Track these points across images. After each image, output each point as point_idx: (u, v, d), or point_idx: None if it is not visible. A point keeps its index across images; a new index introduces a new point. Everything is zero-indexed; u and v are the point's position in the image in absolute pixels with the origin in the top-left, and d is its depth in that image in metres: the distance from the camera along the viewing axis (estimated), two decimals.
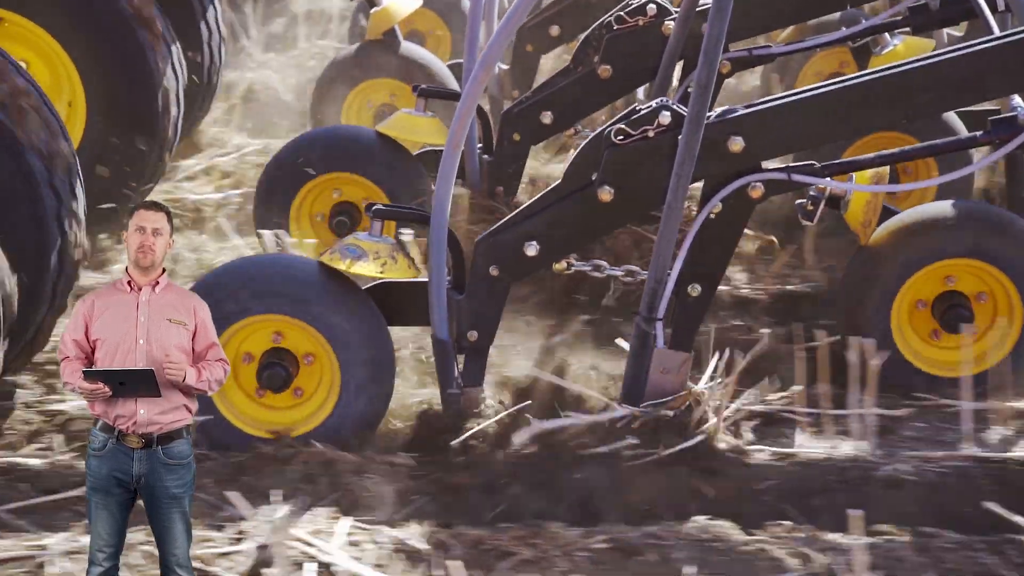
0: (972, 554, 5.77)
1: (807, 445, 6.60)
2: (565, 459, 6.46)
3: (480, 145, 8.97)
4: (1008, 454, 6.54)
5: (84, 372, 5.00)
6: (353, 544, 5.83)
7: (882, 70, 6.73)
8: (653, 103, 6.65)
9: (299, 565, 5.66)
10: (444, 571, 5.64)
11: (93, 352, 5.09)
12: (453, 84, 10.40)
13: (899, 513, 6.11)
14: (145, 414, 5.03)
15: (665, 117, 6.56)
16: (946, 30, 9.76)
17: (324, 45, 14.36)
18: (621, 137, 6.60)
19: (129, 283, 5.13)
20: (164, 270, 5.18)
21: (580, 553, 5.80)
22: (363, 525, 5.94)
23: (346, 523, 5.94)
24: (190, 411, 5.14)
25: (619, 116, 6.73)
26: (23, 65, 7.57)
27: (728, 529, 5.98)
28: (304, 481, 6.31)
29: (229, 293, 6.60)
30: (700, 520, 6.03)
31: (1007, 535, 5.92)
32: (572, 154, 10.05)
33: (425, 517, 6.12)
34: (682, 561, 5.72)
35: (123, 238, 5.18)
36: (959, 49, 6.74)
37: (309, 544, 5.76)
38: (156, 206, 5.16)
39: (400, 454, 6.57)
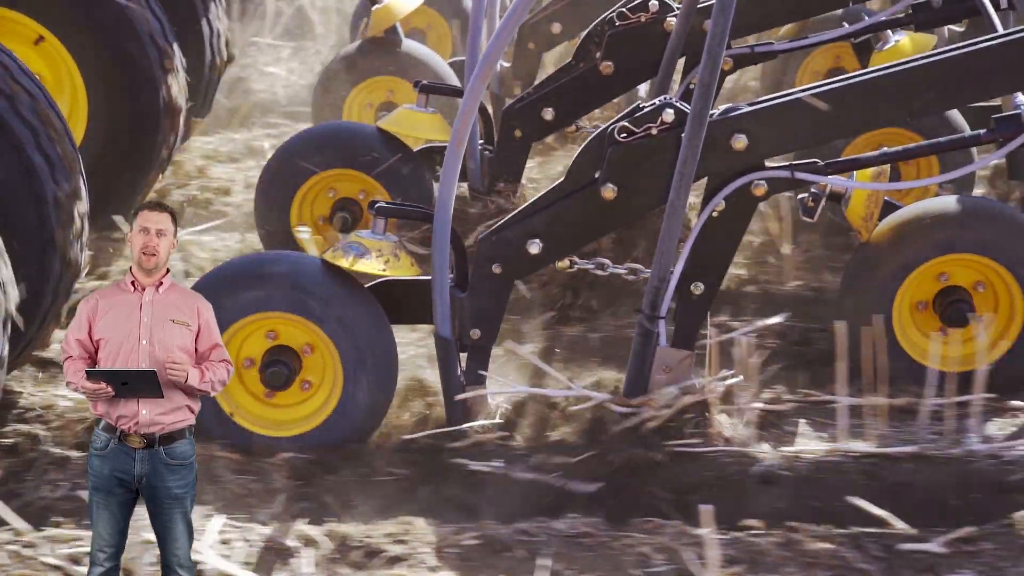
0: (833, 548, 5.81)
1: (690, 441, 6.58)
2: (467, 454, 6.51)
3: (481, 142, 8.97)
4: (881, 449, 6.56)
5: (87, 372, 4.99)
6: (223, 542, 5.84)
7: (886, 68, 6.72)
8: (656, 101, 6.65)
9: None
10: (312, 569, 5.66)
11: (96, 352, 5.08)
12: (455, 82, 10.38)
13: (771, 508, 6.15)
14: (147, 414, 5.02)
15: (668, 115, 6.55)
16: (947, 26, 9.76)
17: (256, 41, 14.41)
18: (624, 135, 6.60)
19: (133, 283, 5.12)
20: (168, 270, 5.17)
21: (449, 550, 5.81)
22: (236, 523, 5.96)
23: (219, 521, 5.94)
24: (192, 412, 5.12)
25: (622, 114, 6.72)
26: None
27: (599, 526, 5.99)
28: None
29: (231, 290, 6.60)
30: (572, 517, 6.05)
31: (869, 529, 5.97)
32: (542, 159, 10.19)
33: (300, 515, 6.11)
34: (549, 557, 5.74)
35: (127, 239, 5.18)
36: (963, 47, 6.74)
37: None
38: (160, 207, 5.15)
39: (285, 453, 6.57)
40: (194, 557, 5.49)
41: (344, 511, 6.16)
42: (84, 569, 5.55)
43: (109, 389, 4.96)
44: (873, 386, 6.96)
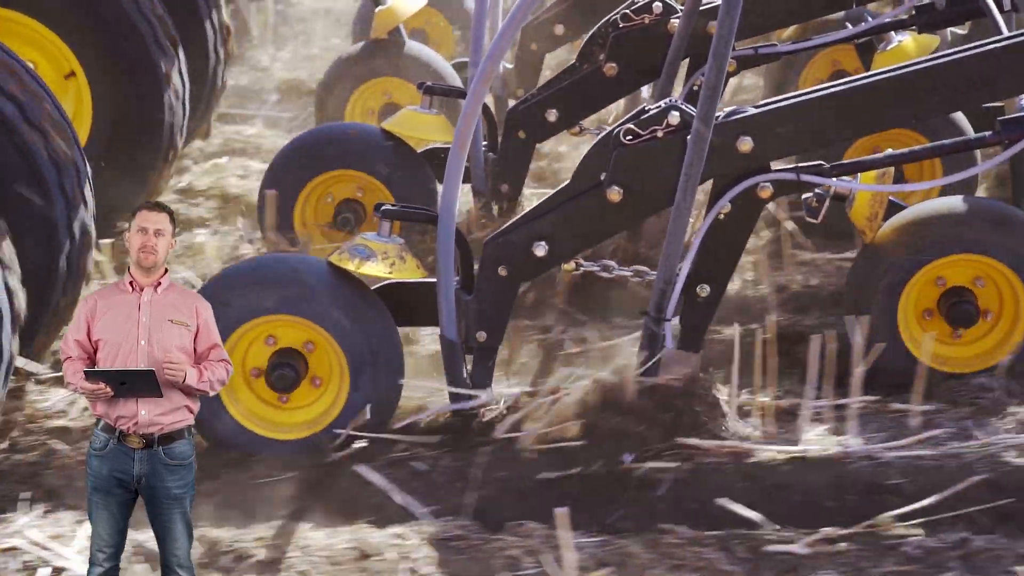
0: (700, 549, 5.85)
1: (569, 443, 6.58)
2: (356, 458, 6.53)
3: (485, 143, 8.97)
4: (760, 446, 6.59)
5: (85, 372, 5.00)
6: None
7: (892, 70, 6.73)
8: (662, 103, 6.65)
9: (33, 570, 5.65)
10: None
11: (95, 352, 5.08)
12: (457, 83, 10.40)
13: (647, 510, 6.18)
14: (146, 415, 5.03)
15: (674, 117, 6.55)
16: (950, 28, 9.76)
17: None
18: (630, 137, 6.60)
19: (131, 283, 5.13)
20: (166, 270, 5.18)
21: (320, 554, 5.81)
22: None
23: (89, 527, 5.91)
24: (191, 412, 5.13)
25: (628, 116, 6.72)
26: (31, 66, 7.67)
27: (472, 529, 6.02)
28: (59, 486, 6.35)
29: (238, 293, 6.60)
30: (447, 520, 6.08)
31: (736, 530, 6.01)
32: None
33: None
34: (420, 561, 5.76)
35: (125, 239, 5.18)
36: (969, 49, 6.74)
37: (45, 548, 5.75)
38: (158, 207, 5.16)
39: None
40: (58, 563, 5.50)
41: (220, 516, 6.14)
42: None
43: (108, 389, 4.97)
44: (763, 386, 7.00)
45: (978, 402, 7.02)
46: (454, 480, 6.36)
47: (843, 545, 5.88)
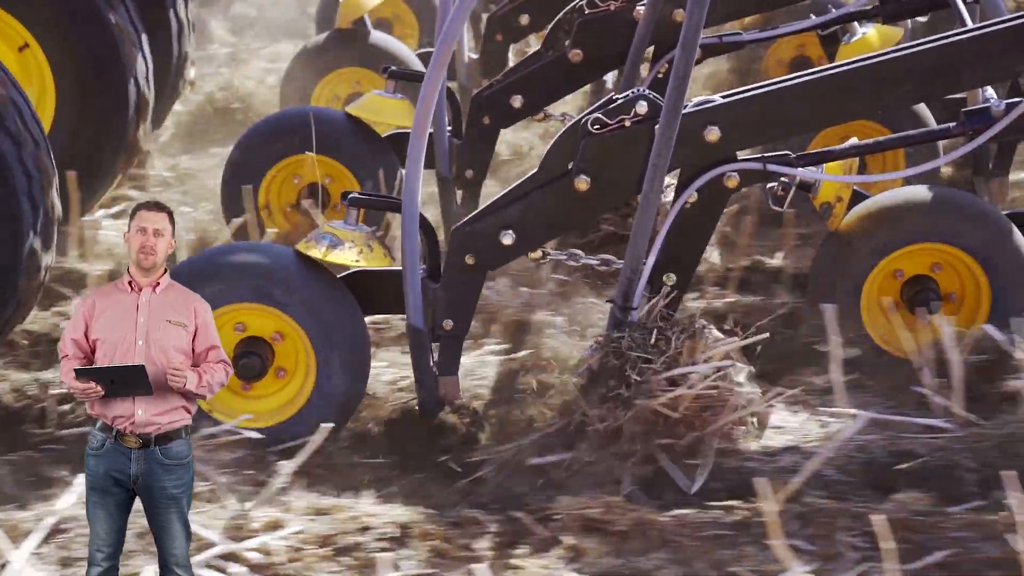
0: None
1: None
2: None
3: (449, 129, 8.96)
4: None
5: (76, 371, 4.98)
6: None
7: (859, 61, 6.76)
8: (629, 92, 6.66)
9: None
10: None
11: (93, 352, 5.07)
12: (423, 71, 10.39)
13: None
14: (143, 414, 5.01)
15: (642, 106, 6.56)
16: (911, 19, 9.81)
17: None
18: (598, 126, 6.60)
19: (130, 283, 5.11)
20: (166, 270, 5.15)
21: None
22: None
23: None
24: (188, 412, 5.12)
25: (596, 105, 6.73)
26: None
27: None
28: None
29: (204, 282, 6.56)
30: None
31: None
32: None
33: None
34: None
35: (124, 238, 5.16)
36: (935, 40, 6.77)
37: None
38: (158, 207, 5.14)
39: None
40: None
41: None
42: None
43: (99, 388, 4.95)
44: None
45: None
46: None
47: None
